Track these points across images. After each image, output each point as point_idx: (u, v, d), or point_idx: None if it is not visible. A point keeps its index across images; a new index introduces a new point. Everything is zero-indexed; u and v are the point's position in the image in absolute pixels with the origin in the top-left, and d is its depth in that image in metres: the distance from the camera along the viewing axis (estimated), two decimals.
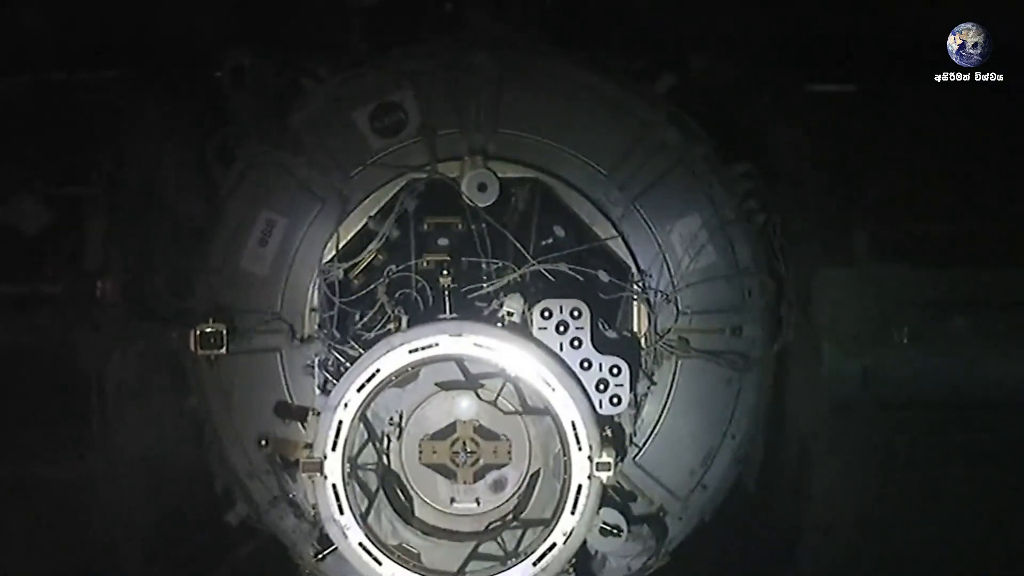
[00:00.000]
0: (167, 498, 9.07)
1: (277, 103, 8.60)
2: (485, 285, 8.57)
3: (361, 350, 8.54)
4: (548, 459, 8.64)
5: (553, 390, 8.09)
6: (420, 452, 8.28)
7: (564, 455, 8.25)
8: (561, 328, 8.23)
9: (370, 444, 8.58)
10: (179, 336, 8.47)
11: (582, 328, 8.32)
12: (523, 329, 8.11)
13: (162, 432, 9.01)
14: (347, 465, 8.26)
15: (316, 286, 8.67)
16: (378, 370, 8.17)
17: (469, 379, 8.66)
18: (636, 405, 8.94)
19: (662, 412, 8.57)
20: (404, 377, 8.44)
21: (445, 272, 8.61)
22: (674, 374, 8.71)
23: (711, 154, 8.58)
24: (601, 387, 8.34)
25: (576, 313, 8.36)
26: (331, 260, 8.74)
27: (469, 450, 8.19)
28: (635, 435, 8.69)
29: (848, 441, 8.63)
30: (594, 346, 8.48)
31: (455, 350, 8.14)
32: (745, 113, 9.24)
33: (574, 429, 8.02)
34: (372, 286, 8.77)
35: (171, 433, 9.03)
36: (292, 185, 8.57)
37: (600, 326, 8.74)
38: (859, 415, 8.54)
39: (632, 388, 8.47)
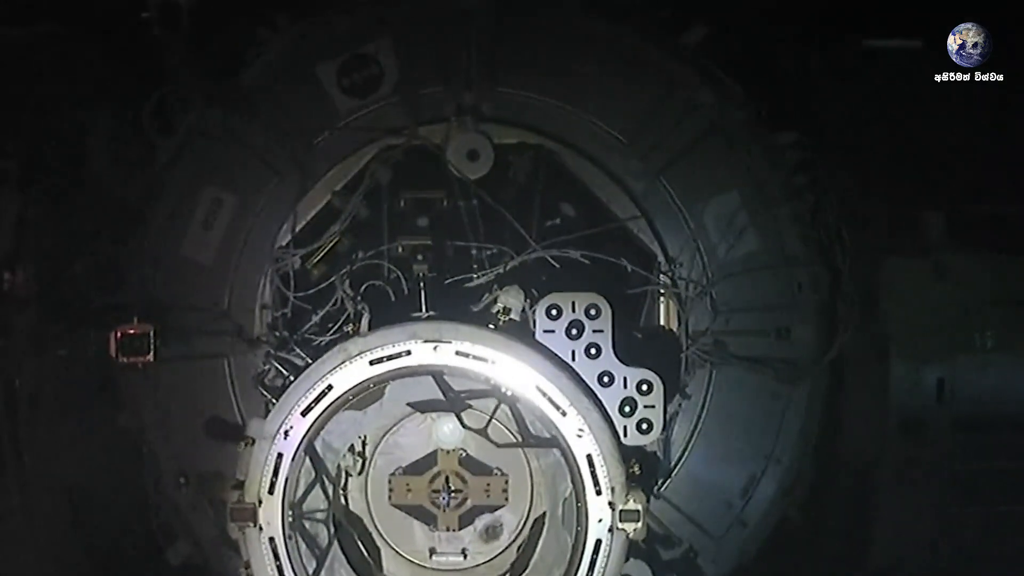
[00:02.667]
0: (95, 534, 7.30)
1: (225, 56, 6.84)
2: (475, 276, 6.60)
3: (309, 360, 6.28)
4: (557, 502, 6.29)
5: (563, 414, 5.78)
6: (390, 490, 6.35)
7: (578, 501, 5.93)
8: (574, 331, 6.03)
9: (323, 481, 6.19)
10: (97, 339, 6.79)
11: (601, 331, 6.06)
12: (524, 332, 6.20)
13: (88, 455, 7.18)
14: (289, 513, 5.94)
15: (268, 278, 6.84)
16: (329, 387, 5.82)
17: (451, 399, 6.16)
18: (666, 427, 6.72)
19: (693, 432, 6.71)
20: (365, 396, 6.02)
21: (420, 257, 6.45)
22: (708, 386, 6.72)
23: (752, 119, 6.77)
24: (627, 409, 6.07)
25: (593, 311, 6.05)
26: (286, 246, 6.81)
27: (453, 488, 6.29)
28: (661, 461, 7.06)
29: (918, 468, 6.98)
30: (617, 355, 6.16)
31: (431, 361, 5.81)
32: (792, 71, 7.31)
33: (591, 466, 5.78)
34: (333, 278, 6.57)
35: (99, 457, 7.18)
36: (243, 156, 6.75)
37: (624, 328, 6.48)
38: (932, 436, 6.89)
39: (667, 410, 6.28)
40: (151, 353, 6.45)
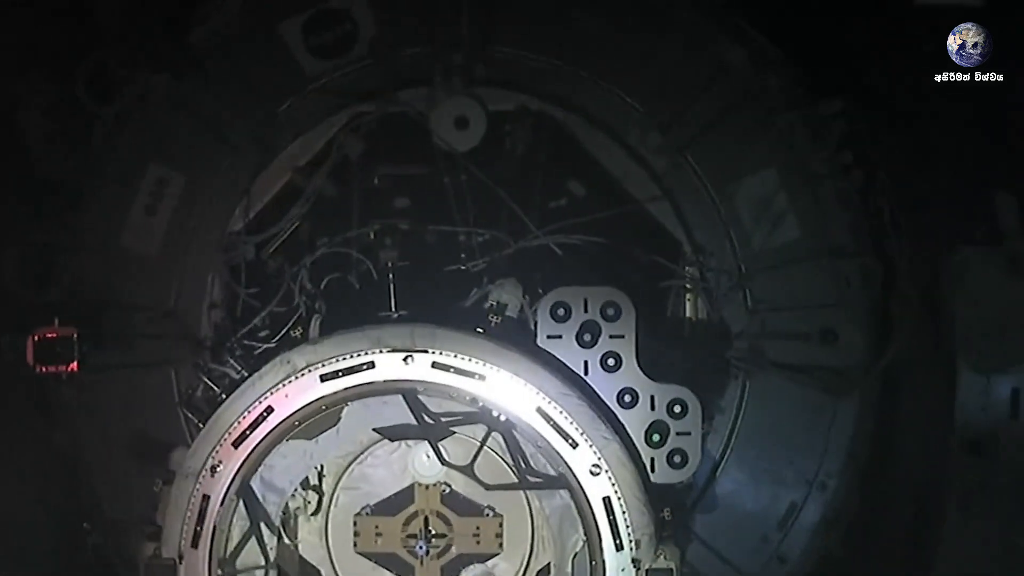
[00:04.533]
0: (28, 566, 5.74)
1: (172, 13, 5.52)
2: (463, 266, 5.20)
3: (245, 373, 4.94)
4: (565, 555, 4.73)
5: (573, 445, 4.35)
6: (356, 534, 4.94)
7: (592, 557, 4.47)
8: (587, 336, 4.61)
9: (261, 530, 4.68)
10: (11, 344, 5.25)
11: (622, 336, 4.64)
12: (522, 338, 4.73)
13: (17, 478, 5.69)
14: (218, 571, 4.53)
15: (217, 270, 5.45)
16: (269, 409, 4.39)
17: (427, 425, 4.56)
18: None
19: (724, 453, 5.46)
20: (316, 421, 4.51)
21: (388, 241, 5.06)
22: (741, 399, 5.48)
23: (791, 85, 5.47)
24: (655, 437, 4.66)
25: (611, 311, 4.64)
26: (238, 232, 5.43)
27: (434, 532, 4.83)
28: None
29: (987, 494, 5.55)
30: (641, 367, 4.72)
31: (401, 375, 4.39)
32: (838, 30, 5.76)
33: (609, 512, 4.38)
34: (292, 269, 5.22)
35: (31, 480, 5.74)
36: (193, 129, 5.48)
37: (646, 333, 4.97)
38: (1005, 457, 5.49)
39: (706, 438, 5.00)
40: (74, 360, 5.07)
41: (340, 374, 4.41)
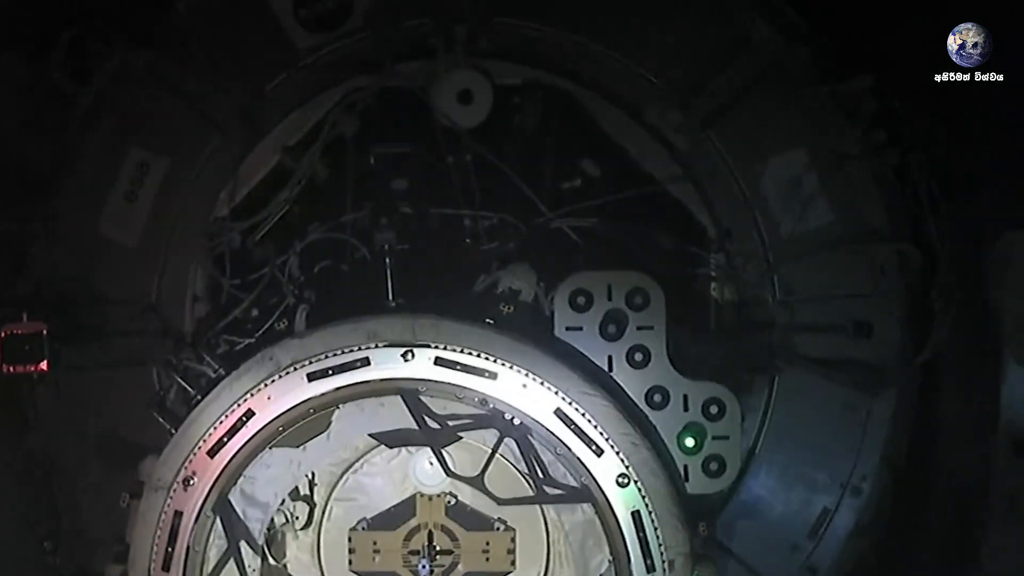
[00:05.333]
0: None
1: None
2: (469, 239, 4.56)
3: (223, 372, 4.19)
4: (587, 574, 3.98)
5: (598, 452, 3.68)
6: (351, 551, 4.25)
7: None
8: (611, 327, 3.92)
9: (241, 550, 3.93)
10: None
11: (650, 328, 3.95)
12: (538, 329, 4.02)
13: None
14: None
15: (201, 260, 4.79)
16: (249, 413, 3.70)
17: (430, 430, 3.83)
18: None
19: (750, 455, 4.80)
20: (303, 426, 3.79)
21: (384, 221, 4.41)
22: (769, 396, 4.82)
23: (819, 59, 4.81)
24: (689, 443, 3.97)
25: (639, 299, 3.94)
26: (222, 219, 4.75)
27: (439, 548, 4.13)
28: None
29: None
30: (673, 363, 4.03)
31: (400, 373, 3.72)
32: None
33: (639, 528, 3.71)
34: (286, 258, 4.56)
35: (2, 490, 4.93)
36: (176, 109, 4.79)
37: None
38: None
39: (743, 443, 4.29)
40: (44, 359, 4.42)
41: (330, 372, 3.68)
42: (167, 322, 4.83)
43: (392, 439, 3.84)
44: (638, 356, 3.96)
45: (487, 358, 3.72)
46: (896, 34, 5.11)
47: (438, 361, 3.70)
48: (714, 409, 3.97)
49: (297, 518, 4.17)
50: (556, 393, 3.72)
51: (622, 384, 3.98)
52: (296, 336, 3.76)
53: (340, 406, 3.74)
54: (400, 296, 4.09)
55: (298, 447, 3.78)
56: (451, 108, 4.56)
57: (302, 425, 3.74)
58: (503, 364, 3.70)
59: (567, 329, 4.03)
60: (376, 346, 3.67)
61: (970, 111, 5.04)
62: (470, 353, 3.70)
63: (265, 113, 4.83)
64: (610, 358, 4.01)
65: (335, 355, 3.68)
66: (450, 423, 3.77)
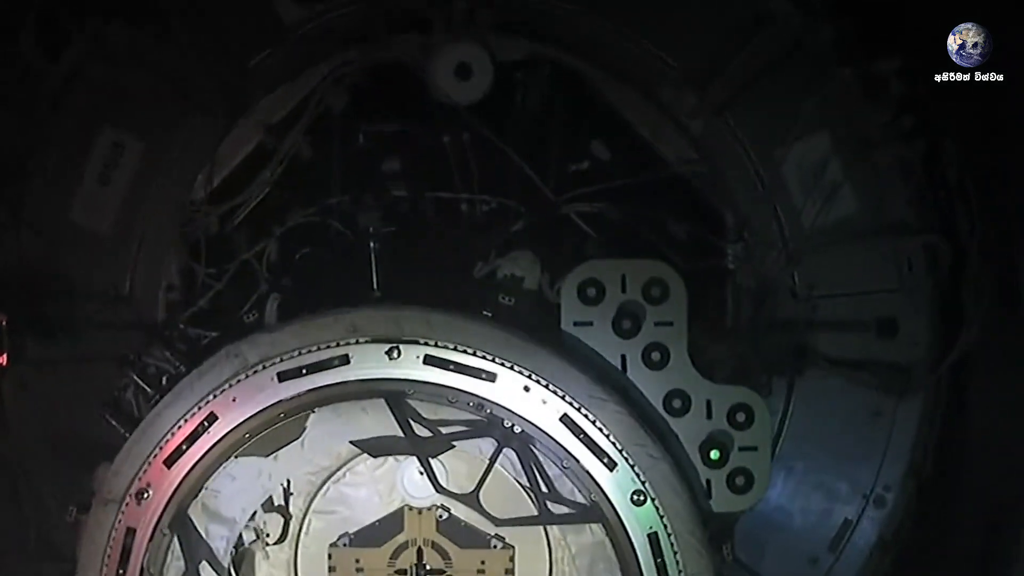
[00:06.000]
0: None
1: None
2: (464, 203, 4.09)
3: (183, 370, 3.67)
4: None
5: (610, 465, 3.16)
6: (331, 570, 3.71)
7: None
8: (626, 323, 3.37)
9: (200, 572, 3.36)
10: None
11: (669, 323, 3.41)
12: (542, 324, 3.50)
13: None
14: None
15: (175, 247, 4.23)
16: (212, 417, 3.16)
17: (417, 438, 3.29)
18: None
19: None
20: (273, 433, 3.27)
21: (368, 200, 3.99)
22: (788, 400, 4.34)
23: (843, 39, 4.30)
24: (713, 454, 3.43)
25: (657, 291, 3.39)
26: (198, 202, 4.21)
27: (429, 567, 3.58)
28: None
29: None
30: (695, 364, 3.50)
31: (383, 373, 3.20)
32: None
33: (656, 552, 3.18)
34: (263, 244, 4.08)
35: None
36: (153, 87, 4.25)
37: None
38: None
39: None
40: (4, 353, 3.94)
41: (304, 372, 3.09)
42: (141, 315, 4.41)
43: (376, 448, 3.25)
44: (656, 355, 3.37)
45: (484, 357, 3.14)
46: (924, 14, 4.71)
47: (428, 360, 3.12)
48: (741, 416, 3.37)
49: (268, 535, 3.56)
50: (563, 397, 3.15)
51: (638, 387, 3.42)
52: (266, 330, 3.17)
53: (315, 410, 3.15)
54: (386, 286, 3.48)
55: (268, 456, 3.19)
56: (448, 83, 4.00)
57: (272, 431, 3.15)
58: (502, 364, 3.12)
59: (576, 324, 3.44)
60: (357, 342, 3.09)
61: (1004, 94, 4.63)
62: (464, 351, 3.12)
63: (248, 90, 4.33)
64: (624, 357, 3.42)
65: (310, 352, 3.10)
66: (441, 430, 3.20)
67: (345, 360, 3.08)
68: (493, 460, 3.18)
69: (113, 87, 4.29)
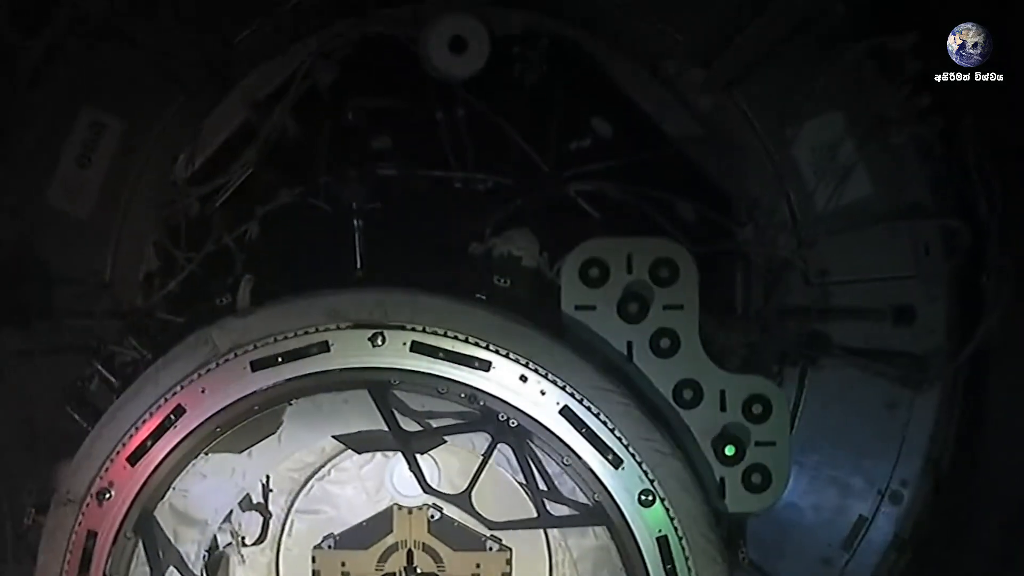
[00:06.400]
0: None
1: None
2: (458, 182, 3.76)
3: (152, 357, 3.20)
4: None
5: (615, 462, 2.81)
6: (315, 574, 3.43)
7: None
8: (632, 306, 3.02)
9: None
10: None
11: (679, 306, 3.08)
12: (541, 308, 3.17)
13: None
14: None
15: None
16: (179, 410, 2.81)
17: (405, 432, 2.97)
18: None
19: None
20: (248, 427, 2.94)
21: (353, 174, 3.67)
22: (800, 392, 4.01)
23: (858, 13, 3.97)
24: (728, 450, 3.07)
25: (666, 271, 3.05)
26: (179, 183, 3.92)
27: (420, 570, 3.32)
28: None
29: None
30: (707, 350, 3.16)
31: (366, 362, 2.86)
32: None
33: (666, 556, 2.85)
34: (244, 228, 3.74)
35: None
36: (135, 64, 3.95)
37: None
38: None
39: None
40: None
41: (280, 360, 2.75)
42: (122, 303, 4.13)
43: (360, 443, 2.92)
44: (664, 342, 3.01)
45: (477, 343, 2.80)
46: None
47: (415, 347, 2.77)
48: (757, 408, 3.01)
49: (245, 537, 3.20)
50: (563, 388, 2.80)
51: (645, 376, 3.06)
52: (239, 314, 2.81)
53: (293, 402, 2.82)
54: (373, 269, 3.15)
55: (242, 453, 2.85)
56: (441, 57, 3.65)
57: (246, 426, 2.80)
58: (497, 351, 2.78)
59: (577, 308, 3.08)
60: (338, 327, 2.74)
61: None
62: (455, 337, 2.78)
63: (233, 67, 4.06)
64: (630, 344, 3.06)
65: (286, 338, 2.75)
66: (431, 423, 2.85)
67: (325, 347, 2.74)
68: (487, 457, 2.84)
69: (93, 64, 3.98)
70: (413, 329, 2.76)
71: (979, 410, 4.18)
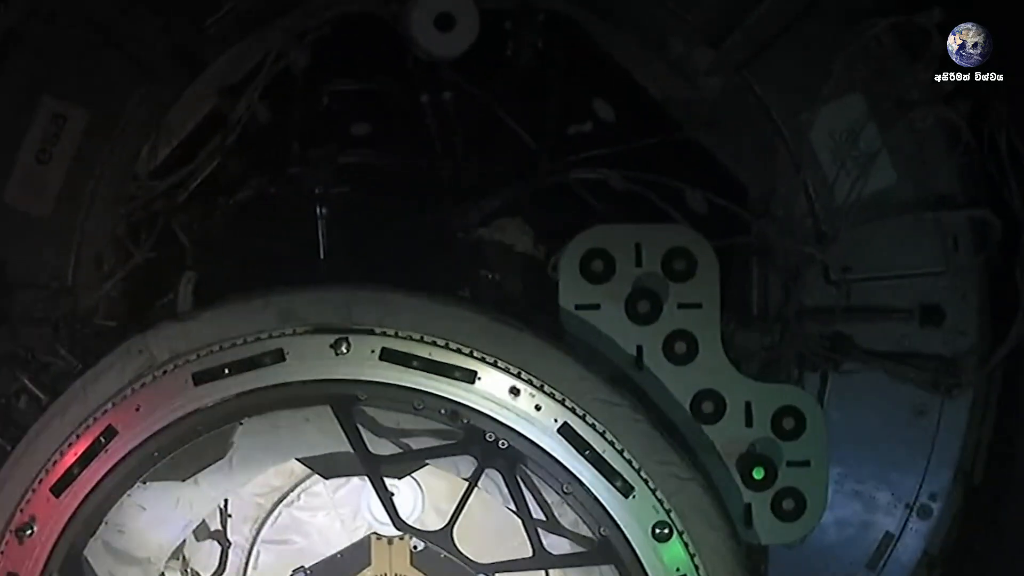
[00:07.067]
0: None
1: None
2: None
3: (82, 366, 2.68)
4: None
5: (625, 490, 2.32)
6: None
7: None
8: (643, 304, 2.54)
9: None
10: None
11: (698, 304, 2.63)
12: (536, 307, 2.74)
13: None
14: None
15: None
16: (110, 432, 2.27)
17: (372, 457, 2.40)
18: None
19: None
20: (192, 449, 2.38)
21: (315, 153, 3.27)
22: (821, 398, 3.54)
23: None
24: (756, 473, 2.57)
25: (681, 263, 2.64)
26: (142, 177, 3.42)
27: None
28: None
29: None
30: (729, 356, 2.64)
31: (328, 373, 2.32)
32: None
33: None
34: (192, 219, 3.36)
35: None
36: (100, 49, 3.48)
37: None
38: None
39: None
40: None
41: (227, 371, 2.24)
42: (85, 308, 3.72)
43: (329, 467, 2.39)
44: (680, 346, 2.50)
45: (459, 350, 2.27)
46: None
47: (386, 355, 2.24)
48: (789, 422, 2.51)
49: (199, 574, 2.69)
50: (562, 402, 2.27)
51: (658, 387, 2.51)
52: (179, 318, 2.30)
53: (244, 421, 2.28)
54: (345, 267, 2.68)
55: (186, 480, 2.31)
56: (427, 36, 3.20)
57: (189, 448, 2.27)
58: (483, 359, 2.25)
59: (578, 307, 2.56)
60: (294, 332, 2.23)
61: None
62: (434, 343, 2.25)
63: (204, 53, 3.69)
64: (640, 349, 2.52)
65: (234, 346, 2.23)
66: (408, 442, 2.30)
67: (279, 356, 2.22)
68: (471, 485, 2.29)
69: (54, 52, 3.60)
70: (383, 334, 2.24)
71: (1013, 417, 3.78)
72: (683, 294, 2.52)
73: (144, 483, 2.29)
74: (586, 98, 3.44)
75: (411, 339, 2.24)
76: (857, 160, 3.49)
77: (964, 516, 3.69)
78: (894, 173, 3.54)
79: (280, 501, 2.76)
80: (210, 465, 2.33)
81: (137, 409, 2.21)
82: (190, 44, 3.50)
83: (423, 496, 2.54)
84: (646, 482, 2.24)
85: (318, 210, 2.71)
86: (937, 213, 3.52)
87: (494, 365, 2.25)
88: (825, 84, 3.47)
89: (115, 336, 2.47)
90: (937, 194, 3.54)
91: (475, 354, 2.25)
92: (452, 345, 2.25)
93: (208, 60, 3.48)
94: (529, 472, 2.31)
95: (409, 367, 2.24)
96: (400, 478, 2.36)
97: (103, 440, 2.20)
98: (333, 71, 3.28)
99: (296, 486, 2.72)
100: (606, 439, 2.26)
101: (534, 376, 2.26)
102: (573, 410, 2.25)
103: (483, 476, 2.29)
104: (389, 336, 2.23)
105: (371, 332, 2.23)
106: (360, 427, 2.23)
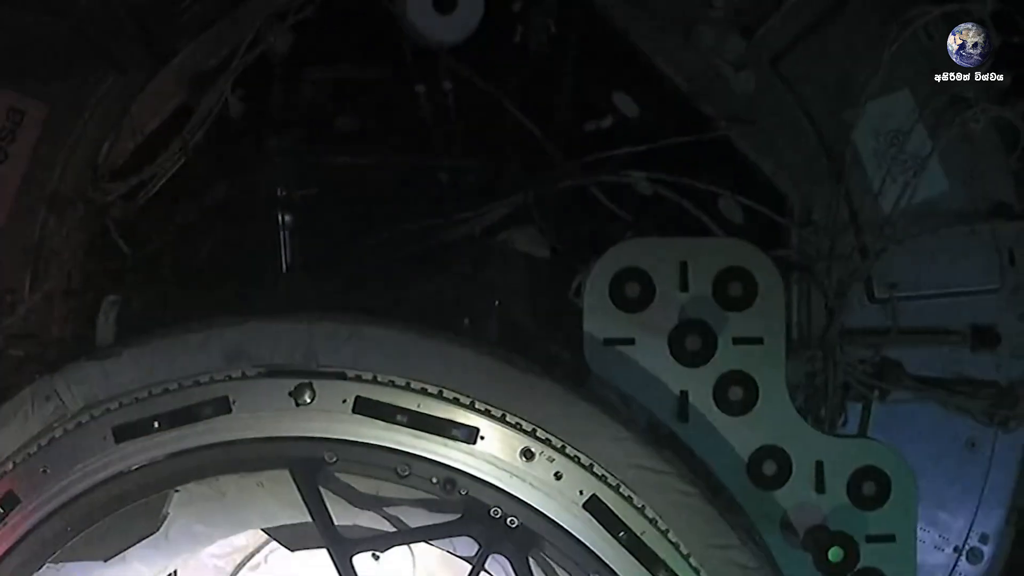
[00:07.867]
0: None
1: None
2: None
3: None
4: None
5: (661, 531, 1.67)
6: None
7: None
8: (689, 339, 2.00)
9: None
10: None
11: (758, 340, 2.05)
12: (550, 339, 2.11)
13: None
14: None
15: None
16: (10, 500, 1.70)
17: (340, 539, 1.76)
18: None
19: None
20: (113, 522, 1.75)
21: (274, 143, 2.63)
22: (863, 430, 3.04)
23: None
24: (833, 554, 1.93)
25: (737, 287, 2.09)
26: (99, 179, 2.90)
27: None
28: None
29: None
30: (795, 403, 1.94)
31: (284, 427, 1.70)
32: None
33: None
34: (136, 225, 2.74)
35: None
36: (61, 37, 2.99)
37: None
38: None
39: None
40: None
41: (157, 425, 1.67)
42: (46, 325, 3.24)
43: (296, 538, 1.83)
44: (736, 392, 1.92)
45: (457, 400, 1.69)
46: None
47: (361, 406, 1.67)
48: (870, 488, 1.94)
49: None
50: (590, 468, 1.68)
51: (708, 443, 1.92)
52: (97, 356, 1.70)
53: (179, 489, 1.73)
54: (306, 283, 2.11)
55: (110, 560, 1.74)
56: (425, 19, 2.69)
57: (111, 521, 1.70)
58: (488, 411, 1.67)
59: (608, 342, 1.96)
60: (243, 376, 1.66)
61: None
62: (424, 391, 1.69)
63: (175, 41, 3.24)
64: (684, 395, 1.94)
65: (167, 392, 1.67)
66: (391, 512, 1.74)
67: (224, 406, 1.65)
68: (474, 572, 1.72)
69: (10, 40, 3.16)
70: (358, 378, 1.65)
71: None
72: (740, 326, 1.93)
73: (55, 564, 1.73)
74: (605, 91, 2.87)
75: (394, 386, 1.66)
76: (903, 165, 3.02)
77: (1018, 560, 3.24)
78: (945, 180, 3.08)
79: (244, 563, 2.18)
80: (138, 542, 1.77)
81: (44, 471, 1.68)
82: (161, 31, 3.04)
83: (413, 560, 2.00)
84: (697, 572, 1.66)
85: (280, 217, 2.16)
86: (991, 224, 3.04)
87: (501, 420, 1.67)
88: (869, 80, 3.01)
89: (19, 374, 1.89)
90: (991, 203, 3.03)
91: (477, 405, 1.67)
92: (447, 394, 1.67)
93: (180, 48, 3.03)
94: (547, 558, 1.72)
95: (392, 422, 1.65)
96: (382, 552, 1.82)
97: (2, 510, 1.67)
98: (317, 57, 2.71)
99: (262, 547, 2.13)
100: (645, 516, 1.68)
101: (553, 435, 1.68)
102: (604, 479, 1.66)
103: (488, 561, 1.73)
104: (366, 382, 1.65)
105: (342, 376, 1.65)
106: (330, 494, 1.66)
